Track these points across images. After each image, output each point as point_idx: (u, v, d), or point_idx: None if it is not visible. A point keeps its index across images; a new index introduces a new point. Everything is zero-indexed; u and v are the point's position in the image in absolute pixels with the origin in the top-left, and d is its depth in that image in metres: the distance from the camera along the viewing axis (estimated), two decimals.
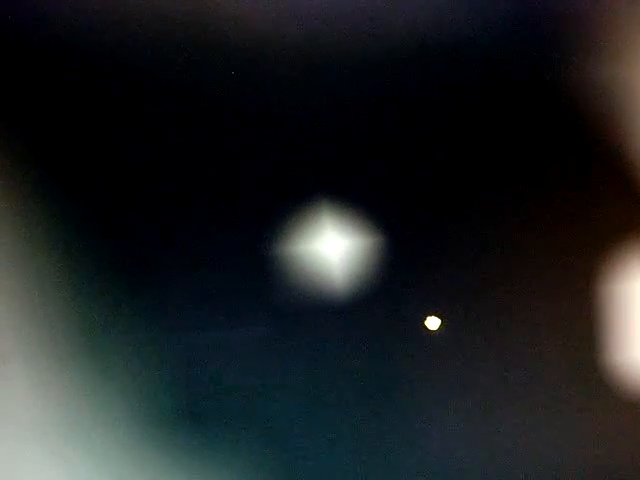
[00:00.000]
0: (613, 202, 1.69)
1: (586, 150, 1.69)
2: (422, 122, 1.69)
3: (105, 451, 1.61)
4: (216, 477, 1.62)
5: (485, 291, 1.67)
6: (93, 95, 1.67)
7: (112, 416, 1.62)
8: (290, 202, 1.67)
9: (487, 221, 1.68)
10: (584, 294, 1.67)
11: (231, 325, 1.66)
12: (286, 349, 1.66)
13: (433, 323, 1.66)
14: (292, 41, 1.65)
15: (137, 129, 1.68)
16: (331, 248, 1.66)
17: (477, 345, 1.66)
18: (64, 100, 1.67)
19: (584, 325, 1.67)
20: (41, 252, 1.64)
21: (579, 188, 1.69)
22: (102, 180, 1.67)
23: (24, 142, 1.66)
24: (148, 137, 1.68)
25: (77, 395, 1.62)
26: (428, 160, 1.69)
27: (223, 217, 1.68)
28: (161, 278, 1.66)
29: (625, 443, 1.65)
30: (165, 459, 1.62)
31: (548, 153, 1.70)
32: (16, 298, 1.63)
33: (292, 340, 1.65)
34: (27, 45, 1.66)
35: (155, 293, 1.65)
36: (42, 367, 1.62)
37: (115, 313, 1.64)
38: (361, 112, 1.69)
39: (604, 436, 1.64)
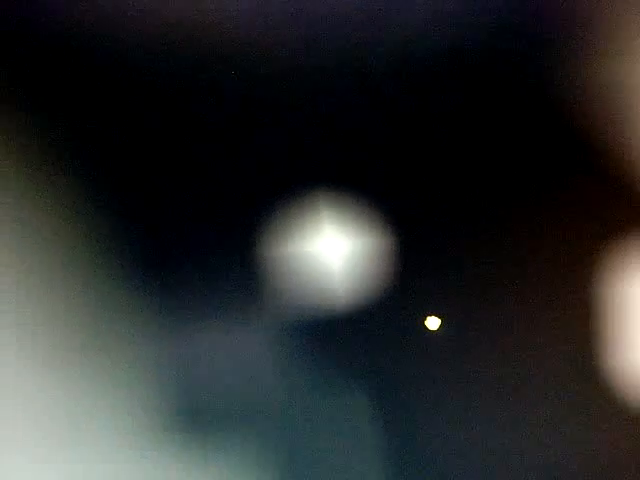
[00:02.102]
0: (613, 204, 1.69)
1: (584, 151, 1.70)
2: (420, 124, 1.70)
3: (106, 449, 1.61)
4: (215, 476, 1.62)
5: (485, 291, 1.67)
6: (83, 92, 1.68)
7: (113, 414, 1.62)
8: (291, 201, 1.67)
9: (487, 221, 1.69)
10: (584, 294, 1.67)
11: (231, 325, 1.66)
12: (286, 349, 1.66)
13: (433, 323, 1.66)
14: (297, 40, 1.66)
15: (130, 127, 1.68)
16: (331, 248, 1.67)
17: (477, 345, 1.66)
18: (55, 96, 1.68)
19: (584, 325, 1.67)
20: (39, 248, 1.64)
21: (578, 189, 1.70)
22: (102, 174, 1.67)
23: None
24: (143, 135, 1.68)
25: (78, 393, 1.61)
26: (427, 160, 1.70)
27: (223, 217, 1.68)
28: (162, 278, 1.66)
29: (625, 443, 1.65)
30: (165, 458, 1.61)
31: (544, 155, 1.70)
32: (15, 295, 1.63)
33: (292, 340, 1.66)
34: (24, 43, 1.67)
35: (156, 293, 1.65)
36: (44, 365, 1.61)
37: (117, 312, 1.64)
38: (361, 112, 1.69)
39: (604, 436, 1.65)
